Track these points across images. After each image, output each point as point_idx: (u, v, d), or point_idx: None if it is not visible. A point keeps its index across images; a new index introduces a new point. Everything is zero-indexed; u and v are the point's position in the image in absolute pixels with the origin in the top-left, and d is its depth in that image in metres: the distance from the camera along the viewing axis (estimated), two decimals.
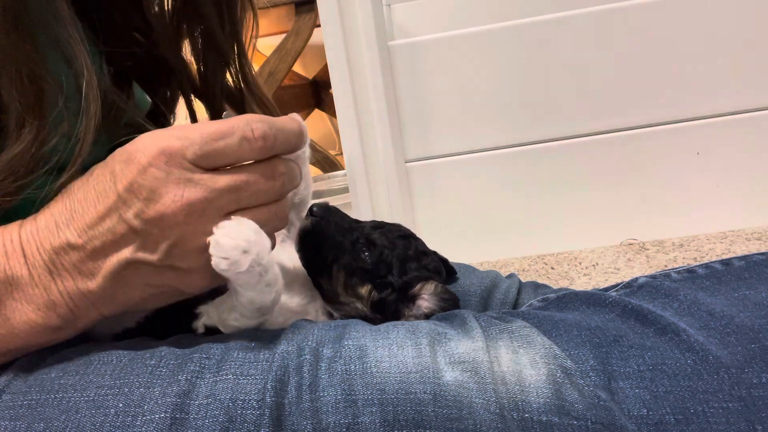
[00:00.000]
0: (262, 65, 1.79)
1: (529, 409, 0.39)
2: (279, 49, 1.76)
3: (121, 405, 0.40)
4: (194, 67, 0.68)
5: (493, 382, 0.40)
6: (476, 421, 0.38)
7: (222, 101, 0.69)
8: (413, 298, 0.54)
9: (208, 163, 0.41)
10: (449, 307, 0.53)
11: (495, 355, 0.42)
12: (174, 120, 0.73)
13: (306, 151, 0.56)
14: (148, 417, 0.39)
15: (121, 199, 0.41)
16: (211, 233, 0.41)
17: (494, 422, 0.38)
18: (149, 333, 0.50)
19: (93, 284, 0.42)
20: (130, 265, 0.42)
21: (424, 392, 0.39)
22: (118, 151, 0.42)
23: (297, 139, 0.46)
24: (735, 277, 0.46)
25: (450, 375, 0.40)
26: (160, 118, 0.69)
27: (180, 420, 0.39)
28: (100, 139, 0.48)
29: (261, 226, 0.43)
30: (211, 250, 0.41)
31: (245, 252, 0.41)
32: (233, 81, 0.69)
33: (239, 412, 0.39)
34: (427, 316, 0.53)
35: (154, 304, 0.47)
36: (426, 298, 0.54)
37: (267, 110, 0.70)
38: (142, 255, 0.41)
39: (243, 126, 0.42)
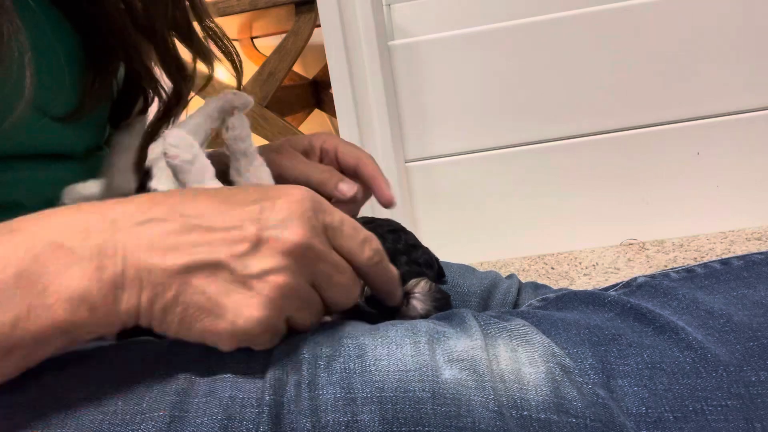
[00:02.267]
0: (262, 65, 1.79)
1: (528, 407, 0.38)
2: (279, 49, 1.76)
3: (120, 403, 0.39)
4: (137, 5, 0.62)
5: (492, 380, 0.40)
6: (475, 419, 0.38)
7: (167, 31, 0.63)
8: (407, 295, 0.55)
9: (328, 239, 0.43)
10: (442, 306, 0.54)
11: (494, 354, 0.42)
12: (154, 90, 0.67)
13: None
14: (147, 415, 0.39)
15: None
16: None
17: (493, 420, 0.38)
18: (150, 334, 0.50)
19: None
20: None
21: (423, 390, 0.39)
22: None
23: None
24: (734, 277, 0.46)
25: (449, 373, 0.40)
26: (138, 89, 0.64)
27: (179, 418, 0.39)
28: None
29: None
30: None
31: None
32: (179, 11, 0.62)
33: (238, 410, 0.39)
34: (423, 316, 0.54)
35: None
36: (419, 298, 0.55)
37: (221, 41, 0.65)
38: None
39: (370, 236, 0.45)
